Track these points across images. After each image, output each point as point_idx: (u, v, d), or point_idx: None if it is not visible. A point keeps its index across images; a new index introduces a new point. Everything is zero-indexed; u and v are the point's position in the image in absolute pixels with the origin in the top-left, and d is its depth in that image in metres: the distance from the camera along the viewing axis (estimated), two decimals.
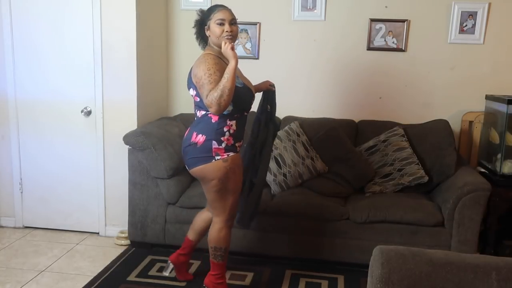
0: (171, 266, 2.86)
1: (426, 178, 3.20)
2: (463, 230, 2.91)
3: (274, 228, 3.10)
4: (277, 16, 3.76)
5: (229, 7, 3.96)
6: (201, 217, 2.78)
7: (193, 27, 2.54)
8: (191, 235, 2.80)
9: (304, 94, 3.83)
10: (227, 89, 2.22)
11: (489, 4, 3.49)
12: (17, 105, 3.55)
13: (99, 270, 3.02)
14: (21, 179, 3.65)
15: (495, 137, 3.30)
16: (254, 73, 3.86)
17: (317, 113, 3.75)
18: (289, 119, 3.64)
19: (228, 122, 2.40)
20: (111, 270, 3.03)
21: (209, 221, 2.67)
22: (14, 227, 3.70)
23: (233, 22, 2.44)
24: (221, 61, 2.40)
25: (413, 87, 3.68)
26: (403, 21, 3.59)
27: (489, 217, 3.12)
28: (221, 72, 2.31)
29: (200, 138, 2.41)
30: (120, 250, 3.35)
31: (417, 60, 3.65)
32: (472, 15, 3.52)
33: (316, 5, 3.68)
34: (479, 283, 1.40)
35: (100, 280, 2.89)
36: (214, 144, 2.39)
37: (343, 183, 3.30)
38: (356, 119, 3.67)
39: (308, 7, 3.70)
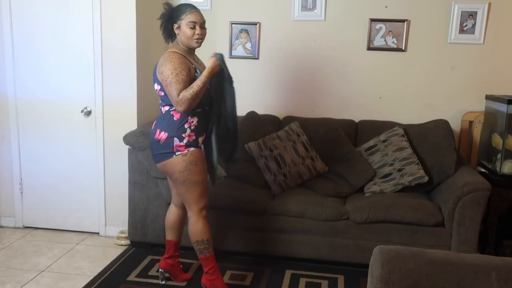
0: (164, 273, 2.86)
1: (426, 178, 3.20)
2: (463, 230, 2.91)
3: (274, 228, 3.09)
4: (277, 16, 3.76)
5: (229, 7, 3.99)
6: (169, 213, 2.84)
7: (158, 19, 2.55)
8: (168, 235, 2.85)
9: (304, 94, 3.83)
10: (199, 94, 2.36)
11: (489, 4, 3.49)
12: (17, 105, 3.55)
13: (99, 270, 3.02)
14: (21, 179, 3.65)
15: (498, 142, 3.29)
16: (254, 73, 3.89)
17: (317, 113, 3.75)
18: (289, 119, 3.64)
19: (189, 118, 2.48)
20: (111, 270, 3.03)
21: (177, 214, 2.80)
22: (14, 227, 3.70)
23: (203, 25, 2.51)
24: (185, 60, 2.47)
25: (413, 87, 3.69)
26: (403, 21, 3.59)
27: (489, 217, 3.12)
28: (186, 71, 2.41)
29: (163, 135, 2.49)
30: (120, 250, 3.35)
31: (417, 60, 3.65)
32: (472, 15, 3.52)
33: (316, 5, 3.68)
34: (479, 283, 1.40)
35: (100, 280, 2.89)
36: (176, 141, 2.47)
37: (343, 183, 3.30)
38: (356, 119, 3.67)
39: (308, 7, 3.70)
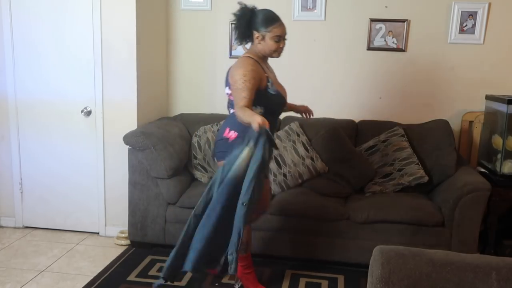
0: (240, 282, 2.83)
1: (426, 178, 3.20)
2: (463, 230, 2.91)
3: (274, 228, 3.09)
4: None
5: (229, 7, 3.97)
6: None
7: (233, 22, 2.52)
8: None
9: (304, 94, 3.82)
10: (242, 121, 2.31)
11: (489, 4, 3.49)
12: (17, 105, 3.55)
13: (99, 270, 3.02)
14: (21, 179, 3.65)
15: (498, 142, 3.29)
16: None
17: (317, 113, 3.74)
18: (289, 119, 3.64)
19: None
20: (111, 270, 3.03)
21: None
22: (14, 227, 3.70)
23: (285, 36, 2.49)
24: (259, 67, 2.45)
25: (413, 87, 3.68)
26: (403, 21, 3.59)
27: (489, 217, 3.12)
28: (256, 80, 2.38)
29: (232, 134, 2.47)
30: (120, 250, 3.35)
31: (417, 60, 3.65)
32: (472, 15, 3.52)
33: (316, 5, 3.68)
34: (479, 283, 1.39)
35: (100, 280, 2.89)
36: None
37: (343, 183, 3.30)
38: (356, 119, 3.67)
39: (308, 7, 3.70)
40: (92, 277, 2.92)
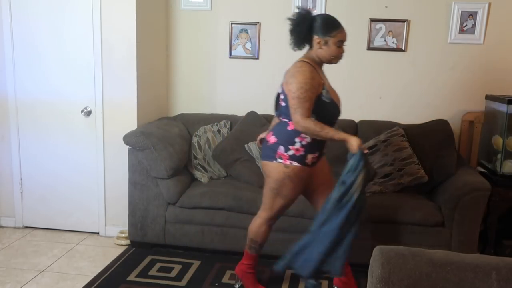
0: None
1: (426, 178, 3.20)
2: (463, 230, 2.91)
3: (274, 228, 3.08)
4: (277, 16, 3.75)
5: (230, 7, 3.99)
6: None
7: (292, 25, 2.45)
8: None
9: None
10: (317, 136, 2.36)
11: (489, 4, 3.49)
12: (17, 105, 3.55)
13: (99, 270, 3.02)
14: (21, 179, 3.65)
15: (498, 142, 3.29)
16: (254, 73, 3.89)
17: None
18: None
19: (303, 134, 2.41)
20: (111, 270, 3.03)
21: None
22: (14, 227, 3.70)
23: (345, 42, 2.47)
24: (316, 74, 2.41)
25: (413, 87, 3.68)
26: (403, 21, 3.59)
27: (489, 217, 3.12)
28: (315, 87, 2.35)
29: (272, 138, 2.49)
30: (120, 250, 3.35)
31: (417, 60, 3.65)
32: (472, 15, 3.52)
33: (316, 5, 3.68)
34: (479, 283, 1.39)
35: (100, 280, 2.89)
36: (280, 149, 2.44)
37: None
38: (356, 119, 3.66)
39: (308, 7, 3.69)
40: (92, 277, 2.92)
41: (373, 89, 3.74)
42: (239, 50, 3.85)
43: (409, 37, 3.63)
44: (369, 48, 3.68)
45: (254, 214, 3.08)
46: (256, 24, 3.79)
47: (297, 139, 2.42)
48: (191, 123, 3.70)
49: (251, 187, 3.29)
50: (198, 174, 3.42)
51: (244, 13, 3.80)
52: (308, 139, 2.42)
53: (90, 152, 3.52)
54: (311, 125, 2.32)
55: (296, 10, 2.48)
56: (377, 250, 1.51)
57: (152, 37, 3.66)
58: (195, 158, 3.48)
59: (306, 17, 2.43)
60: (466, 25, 3.54)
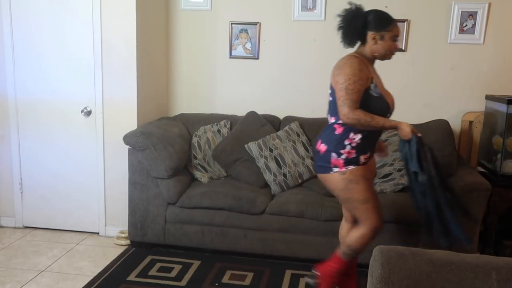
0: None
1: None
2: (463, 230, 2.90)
3: (274, 228, 3.10)
4: (277, 16, 3.76)
5: (230, 7, 3.99)
6: (341, 227, 2.70)
7: (344, 21, 2.36)
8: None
9: (304, 94, 3.82)
10: (368, 127, 2.27)
11: (489, 4, 3.49)
12: (17, 105, 3.55)
13: (99, 270, 3.02)
14: (21, 179, 3.65)
15: (498, 142, 3.28)
16: (254, 73, 3.89)
17: (317, 113, 3.74)
18: (289, 119, 3.64)
19: (351, 135, 2.33)
20: (111, 270, 3.03)
21: (348, 229, 2.62)
22: (14, 227, 3.70)
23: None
24: (365, 68, 2.32)
25: (413, 87, 3.68)
26: (403, 21, 3.59)
27: (489, 217, 3.12)
28: (364, 80, 2.27)
29: (322, 147, 2.39)
30: (120, 250, 3.35)
31: (417, 60, 3.65)
32: (472, 15, 3.52)
33: (316, 5, 3.68)
34: (479, 283, 1.39)
35: (100, 280, 2.89)
36: (333, 156, 2.34)
37: None
38: None
39: (308, 7, 3.70)
40: (92, 277, 2.92)
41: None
42: (239, 50, 3.85)
43: (409, 37, 3.63)
44: None
45: (254, 214, 3.10)
46: (256, 24, 3.79)
47: (346, 142, 2.33)
48: (191, 123, 3.70)
49: (251, 187, 3.29)
50: (198, 174, 3.42)
51: (244, 13, 3.81)
52: (357, 140, 2.33)
53: (90, 152, 3.52)
54: (361, 115, 2.23)
55: (347, 6, 2.38)
56: (377, 250, 1.51)
57: (152, 37, 3.66)
58: (195, 158, 3.48)
59: (359, 12, 2.35)
60: (466, 25, 3.54)
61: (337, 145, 2.34)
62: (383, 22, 2.33)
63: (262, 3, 3.78)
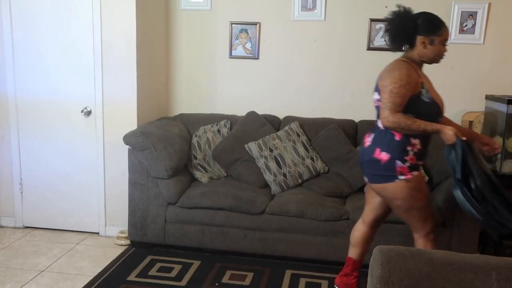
0: None
1: (426, 178, 3.20)
2: (463, 230, 2.91)
3: (274, 228, 3.09)
4: (277, 16, 3.76)
5: (230, 7, 3.99)
6: (355, 229, 2.67)
7: (392, 24, 2.30)
8: (350, 251, 2.68)
9: (304, 94, 3.82)
10: (410, 131, 2.21)
11: (489, 4, 3.49)
12: (17, 105, 3.55)
13: (99, 270, 3.02)
14: (21, 179, 3.65)
15: (498, 143, 3.27)
16: (254, 73, 3.89)
17: (317, 113, 3.75)
18: (289, 119, 3.64)
19: (412, 140, 2.28)
20: (111, 270, 3.03)
21: (363, 232, 2.61)
22: (14, 227, 3.70)
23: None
24: (414, 72, 2.28)
25: None
26: None
27: None
28: (412, 85, 2.23)
29: (384, 156, 2.30)
30: (120, 250, 3.35)
31: None
32: (472, 15, 3.52)
33: (316, 5, 3.68)
34: (479, 283, 1.39)
35: (100, 280, 2.89)
36: (398, 164, 2.28)
37: (343, 183, 3.30)
38: (356, 119, 3.66)
39: (308, 7, 3.70)
40: (92, 277, 2.92)
41: (373, 89, 3.72)
42: (239, 50, 3.85)
43: None
44: (369, 48, 3.67)
45: (254, 214, 3.10)
46: (256, 24, 3.79)
47: (409, 148, 2.28)
48: (191, 123, 3.70)
49: (251, 187, 3.29)
50: (198, 174, 3.42)
51: (244, 13, 3.81)
52: (418, 146, 2.28)
53: (90, 151, 3.52)
54: (401, 119, 2.17)
55: (396, 9, 2.32)
56: (377, 250, 1.51)
57: (152, 37, 3.66)
58: (195, 158, 3.48)
59: (409, 15, 2.29)
60: (466, 25, 3.54)
61: (401, 152, 2.27)
62: (433, 26, 2.28)
63: (262, 3, 3.78)
